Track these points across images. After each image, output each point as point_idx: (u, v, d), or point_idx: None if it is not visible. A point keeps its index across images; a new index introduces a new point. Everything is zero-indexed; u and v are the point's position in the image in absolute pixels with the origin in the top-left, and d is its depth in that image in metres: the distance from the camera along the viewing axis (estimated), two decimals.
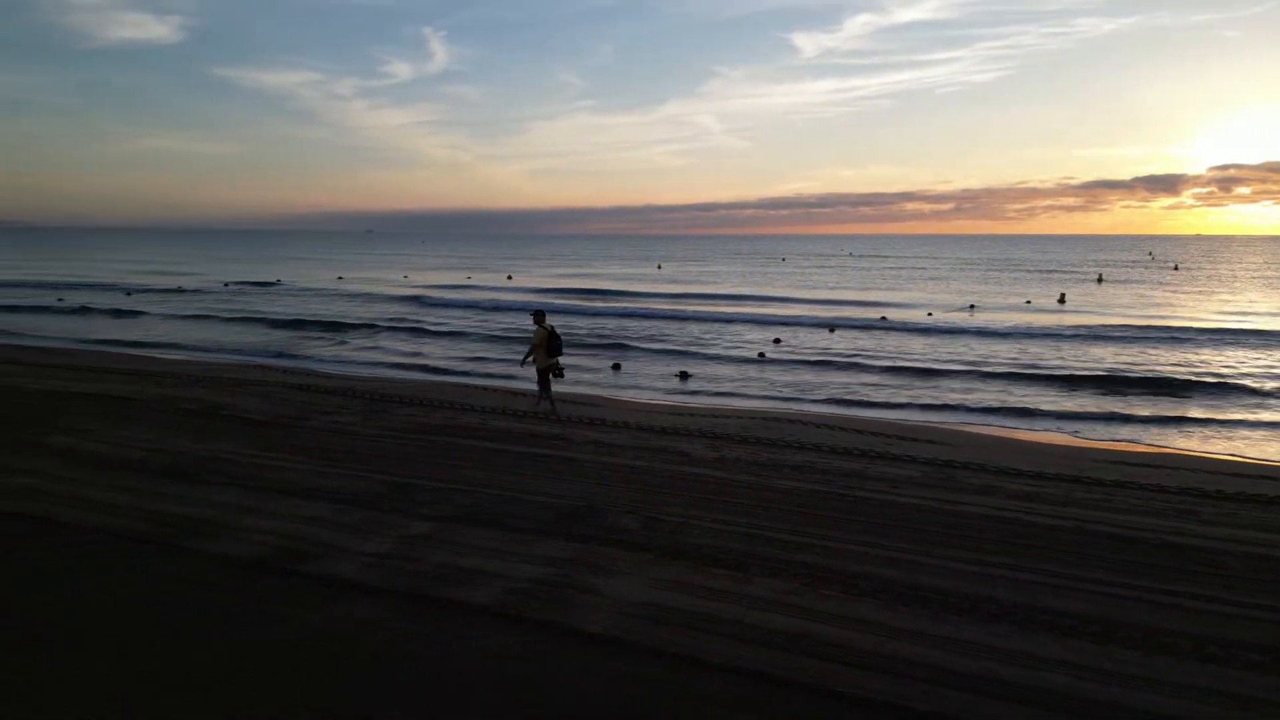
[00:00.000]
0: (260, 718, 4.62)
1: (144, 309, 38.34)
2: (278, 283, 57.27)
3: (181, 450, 10.76)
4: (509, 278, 65.87)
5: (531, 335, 14.52)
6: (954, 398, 18.43)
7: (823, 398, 18.28)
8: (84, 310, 34.40)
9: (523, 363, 14.76)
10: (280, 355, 24.23)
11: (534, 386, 14.97)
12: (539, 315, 14.63)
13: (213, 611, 5.97)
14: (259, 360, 22.70)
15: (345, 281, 58.13)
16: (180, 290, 49.48)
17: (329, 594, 6.33)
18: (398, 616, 5.96)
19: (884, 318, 34.26)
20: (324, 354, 24.87)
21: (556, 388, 14.60)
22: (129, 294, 46.51)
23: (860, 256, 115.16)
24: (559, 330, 14.92)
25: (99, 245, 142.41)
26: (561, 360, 14.40)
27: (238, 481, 9.32)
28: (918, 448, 12.16)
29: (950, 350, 25.79)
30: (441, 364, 22.91)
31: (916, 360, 23.77)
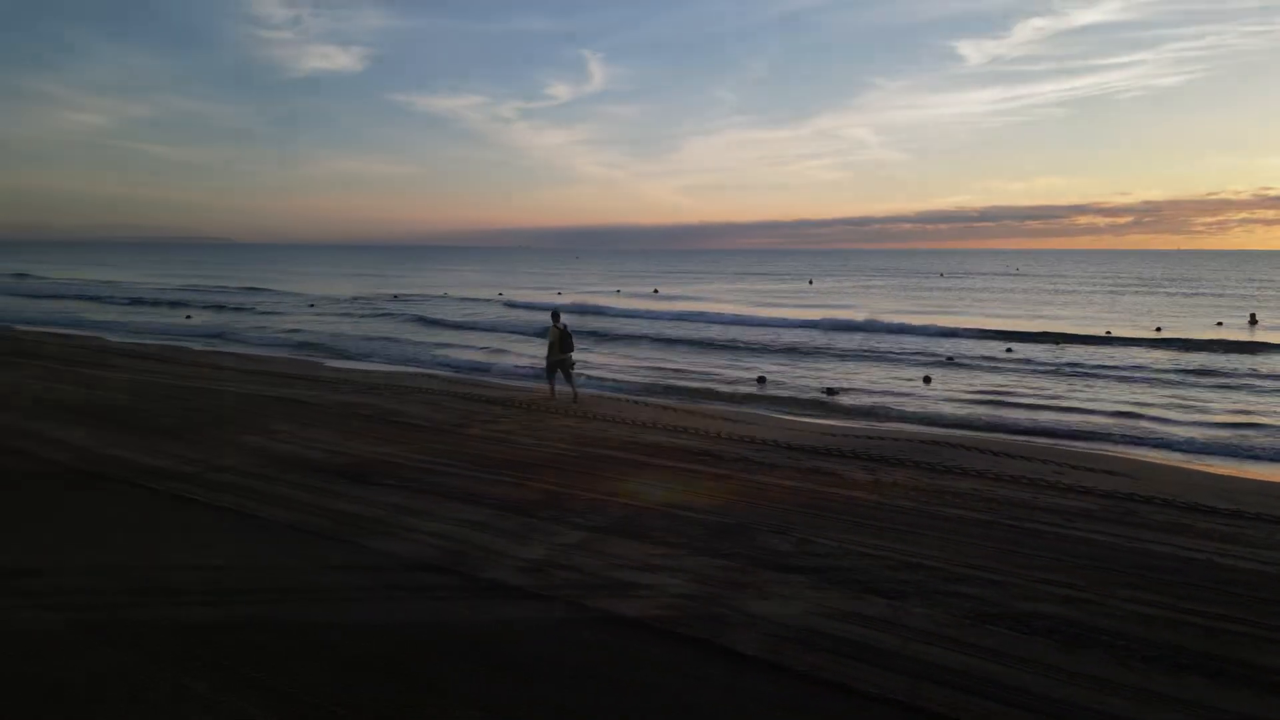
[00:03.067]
0: (420, 706, 4.85)
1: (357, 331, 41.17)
2: (443, 295, 60.41)
3: (355, 453, 11.50)
4: (655, 291, 66.76)
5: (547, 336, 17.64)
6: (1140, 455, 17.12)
7: (988, 426, 17.40)
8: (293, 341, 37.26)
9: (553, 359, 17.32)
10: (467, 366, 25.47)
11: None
12: (555, 315, 17.52)
13: (379, 606, 6.33)
14: (429, 370, 23.94)
15: (504, 298, 60.54)
16: (354, 298, 53.02)
17: (488, 596, 6.58)
18: (552, 622, 6.11)
19: (1060, 344, 32.15)
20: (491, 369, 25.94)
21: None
22: (312, 305, 50.36)
23: (1027, 275, 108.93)
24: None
25: (291, 260, 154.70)
26: (573, 356, 17.38)
27: (405, 484, 9.86)
28: (1094, 478, 11.34)
29: (1138, 393, 23.98)
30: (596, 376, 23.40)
31: (1098, 400, 22.30)
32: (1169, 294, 66.29)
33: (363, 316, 43.71)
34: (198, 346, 28.60)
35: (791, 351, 29.83)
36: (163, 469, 10.31)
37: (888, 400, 19.95)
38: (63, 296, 54.55)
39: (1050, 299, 61.51)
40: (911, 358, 27.98)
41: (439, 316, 43.43)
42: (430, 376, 21.72)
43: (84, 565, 7.04)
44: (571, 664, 5.46)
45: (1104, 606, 6.55)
